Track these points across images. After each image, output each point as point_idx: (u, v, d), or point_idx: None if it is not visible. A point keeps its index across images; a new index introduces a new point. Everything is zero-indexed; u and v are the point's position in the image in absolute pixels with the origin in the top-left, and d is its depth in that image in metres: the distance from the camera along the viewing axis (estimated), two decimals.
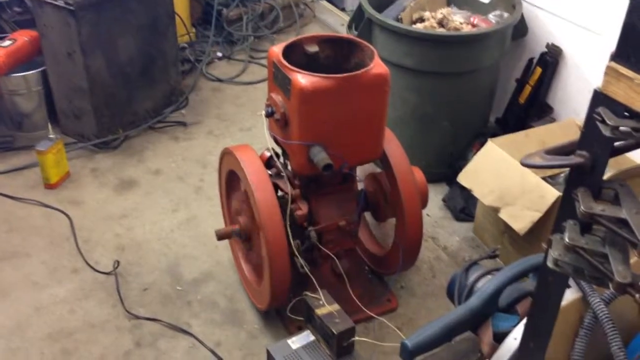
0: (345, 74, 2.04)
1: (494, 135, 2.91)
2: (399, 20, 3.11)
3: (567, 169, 1.23)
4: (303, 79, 2.00)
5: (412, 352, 1.79)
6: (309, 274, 2.24)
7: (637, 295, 1.07)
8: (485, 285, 1.88)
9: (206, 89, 3.98)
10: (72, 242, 2.82)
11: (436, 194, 3.10)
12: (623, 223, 1.09)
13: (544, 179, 2.53)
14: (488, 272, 2.03)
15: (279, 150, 2.34)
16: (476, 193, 2.67)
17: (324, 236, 2.32)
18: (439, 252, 2.84)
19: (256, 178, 2.19)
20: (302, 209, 2.24)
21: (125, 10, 3.27)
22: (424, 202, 2.44)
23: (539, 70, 3.10)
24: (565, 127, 2.84)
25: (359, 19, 3.09)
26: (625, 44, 1.04)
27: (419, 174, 2.42)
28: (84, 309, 2.52)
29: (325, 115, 2.06)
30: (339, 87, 2.02)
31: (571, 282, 1.72)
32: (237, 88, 4.02)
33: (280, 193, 2.33)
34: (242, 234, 2.40)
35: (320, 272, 2.36)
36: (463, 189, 2.82)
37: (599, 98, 1.09)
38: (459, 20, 3.09)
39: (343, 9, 4.76)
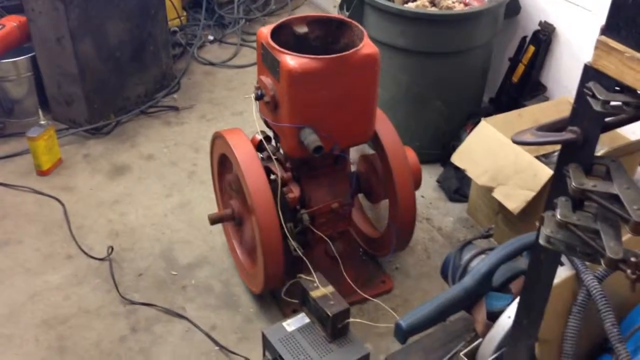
0: (334, 55, 2.02)
1: (488, 115, 2.89)
2: None
3: (560, 147, 1.23)
4: (292, 60, 1.97)
5: (407, 332, 1.80)
6: (303, 256, 2.23)
7: (628, 271, 1.07)
8: (479, 265, 1.88)
9: (198, 73, 3.96)
10: (66, 229, 2.81)
11: (430, 175, 3.09)
12: (614, 199, 1.09)
13: (537, 157, 2.52)
14: (482, 252, 2.03)
15: (270, 133, 2.33)
16: (470, 173, 2.66)
17: (316, 219, 2.31)
18: (433, 233, 2.84)
19: (247, 162, 2.18)
20: (294, 191, 2.23)
21: None
22: (417, 183, 2.43)
23: (532, 48, 3.09)
24: (559, 106, 2.83)
25: None
26: (615, 17, 1.02)
27: (411, 155, 2.41)
28: (78, 295, 2.52)
29: (314, 97, 2.04)
30: (328, 68, 2.00)
31: (564, 259, 1.72)
32: (229, 72, 3.99)
33: (272, 177, 2.32)
34: (235, 218, 2.39)
35: (314, 254, 2.35)
36: (457, 169, 2.81)
37: (590, 73, 1.08)
38: None
39: None
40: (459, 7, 3.03)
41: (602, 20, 1.06)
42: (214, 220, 2.41)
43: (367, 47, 2.06)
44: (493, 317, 1.78)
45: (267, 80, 2.10)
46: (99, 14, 3.19)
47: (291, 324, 2.07)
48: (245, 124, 3.36)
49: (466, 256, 2.03)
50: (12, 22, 3.30)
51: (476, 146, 2.68)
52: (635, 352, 1.65)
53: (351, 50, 2.03)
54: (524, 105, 3.03)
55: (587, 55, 1.09)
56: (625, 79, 1.03)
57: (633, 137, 2.60)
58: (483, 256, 1.99)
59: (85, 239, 2.76)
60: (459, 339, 2.00)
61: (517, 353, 1.58)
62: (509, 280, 1.88)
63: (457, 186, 2.99)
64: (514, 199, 2.46)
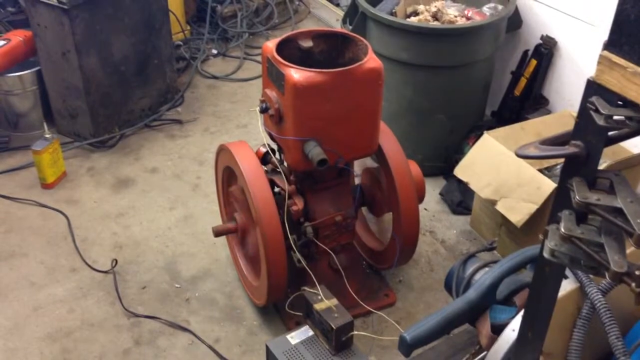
0: (338, 69, 2.03)
1: (490, 128, 2.91)
2: (393, 14, 3.10)
3: (563, 160, 1.23)
4: (297, 74, 1.99)
5: (411, 345, 1.80)
6: (307, 269, 2.24)
7: (633, 284, 1.07)
8: (483, 278, 1.88)
9: (202, 87, 3.98)
10: (70, 242, 2.81)
11: (433, 188, 3.10)
12: (618, 212, 1.09)
13: (540, 170, 2.53)
14: (485, 265, 2.03)
15: (275, 146, 2.34)
16: (473, 186, 2.67)
17: (320, 231, 2.32)
18: (436, 246, 2.84)
19: (252, 174, 2.19)
20: (298, 204, 2.24)
21: (119, 8, 3.26)
22: (420, 196, 2.44)
23: (533, 62, 3.11)
24: (561, 119, 2.84)
25: (353, 14, 3.09)
26: (617, 33, 1.03)
27: (415, 168, 2.42)
28: (82, 308, 2.52)
29: (319, 110, 2.06)
30: (332, 82, 2.02)
31: (568, 272, 1.72)
32: (233, 85, 4.02)
33: (276, 189, 2.33)
34: (239, 231, 2.40)
35: (317, 267, 2.36)
36: (460, 182, 2.82)
37: (593, 87, 1.08)
38: (453, 14, 3.09)
39: (338, 4, 4.75)
40: (461, 22, 3.05)
41: (604, 34, 1.07)
42: (218, 233, 2.42)
43: (371, 61, 2.08)
44: (497, 330, 1.78)
45: (272, 93, 2.12)
46: (104, 29, 3.22)
47: (295, 337, 2.07)
48: (249, 137, 3.39)
49: (470, 269, 2.03)
50: (18, 37, 3.34)
51: (479, 159, 2.69)
52: None
53: (355, 64, 2.05)
54: (526, 119, 3.05)
55: (589, 68, 1.10)
56: (628, 93, 1.04)
57: (635, 151, 2.61)
58: (487, 269, 1.99)
59: (90, 251, 2.77)
60: (463, 352, 2.00)
61: None
62: (513, 293, 1.88)
63: (460, 199, 3.00)
64: (517, 211, 2.47)
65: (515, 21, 3.14)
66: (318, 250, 2.34)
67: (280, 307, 2.44)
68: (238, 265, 2.60)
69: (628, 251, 1.11)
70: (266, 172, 2.30)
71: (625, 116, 1.05)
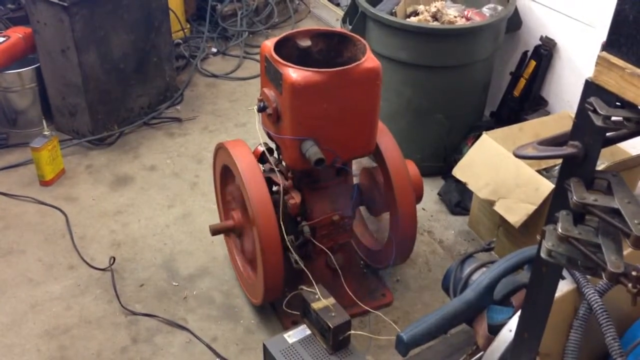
0: (336, 68, 2.03)
1: (489, 128, 2.91)
2: (393, 14, 3.10)
3: (561, 161, 1.24)
4: (294, 73, 1.99)
5: (408, 345, 1.80)
6: (304, 268, 2.24)
7: (629, 285, 1.08)
8: (480, 278, 1.88)
9: (201, 85, 3.98)
10: (68, 239, 2.81)
11: (432, 188, 3.10)
12: (616, 213, 1.09)
13: (538, 171, 2.53)
14: (483, 265, 2.03)
15: (273, 145, 2.34)
16: (471, 186, 2.67)
17: (317, 231, 2.32)
18: (434, 246, 2.84)
19: (249, 173, 2.19)
20: (295, 198, 2.24)
21: (119, 6, 3.26)
22: (418, 196, 2.44)
23: (533, 63, 3.11)
24: (560, 120, 2.84)
25: (353, 13, 3.09)
26: (616, 33, 1.03)
27: (413, 168, 2.42)
28: (80, 305, 2.52)
29: (317, 110, 2.05)
30: (330, 82, 2.02)
31: (566, 273, 1.72)
32: (232, 84, 4.02)
33: (274, 188, 2.33)
34: (236, 229, 2.40)
35: (314, 266, 2.36)
36: (458, 182, 2.82)
37: (591, 88, 1.08)
38: (453, 14, 3.09)
39: (338, 4, 4.75)
40: (460, 22, 3.05)
41: (603, 35, 1.07)
42: (215, 231, 2.42)
43: (369, 60, 2.08)
44: (494, 330, 1.78)
45: (270, 92, 2.11)
46: (103, 26, 3.22)
47: (292, 336, 2.07)
48: (248, 135, 3.38)
49: (467, 269, 2.03)
50: (17, 34, 3.34)
51: (477, 159, 2.69)
52: None
53: (354, 64, 2.05)
54: (525, 119, 3.05)
55: (588, 70, 1.09)
56: (626, 94, 1.03)
57: (633, 152, 2.61)
58: (484, 269, 1.99)
59: (88, 249, 2.77)
60: (460, 352, 2.00)
61: None
62: (510, 293, 1.88)
63: (458, 199, 3.00)
64: (516, 212, 2.47)
65: (514, 22, 3.14)
66: (315, 250, 2.34)
67: (277, 306, 2.44)
68: (235, 263, 2.60)
69: (625, 252, 1.11)
70: (264, 171, 2.30)
71: (623, 117, 1.05)
